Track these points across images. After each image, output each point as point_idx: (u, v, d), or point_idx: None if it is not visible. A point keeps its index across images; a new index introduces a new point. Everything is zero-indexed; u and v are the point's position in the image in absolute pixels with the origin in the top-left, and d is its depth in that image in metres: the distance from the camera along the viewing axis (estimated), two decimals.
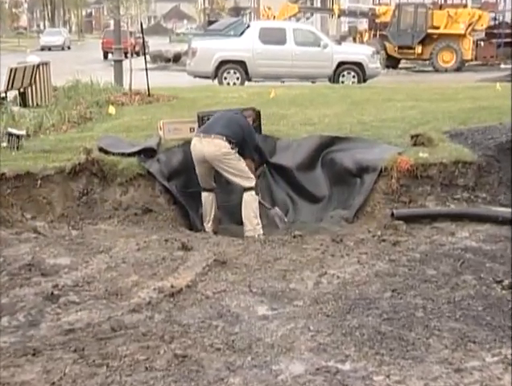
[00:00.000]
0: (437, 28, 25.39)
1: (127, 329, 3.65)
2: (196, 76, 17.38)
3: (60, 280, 4.38)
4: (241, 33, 17.61)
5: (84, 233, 5.58)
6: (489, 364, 3.27)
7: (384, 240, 5.31)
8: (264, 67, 16.76)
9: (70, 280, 4.39)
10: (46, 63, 11.76)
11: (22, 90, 10.86)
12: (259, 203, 6.18)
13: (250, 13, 56.23)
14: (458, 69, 24.69)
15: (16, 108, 9.95)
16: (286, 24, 19.78)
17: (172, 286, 4.24)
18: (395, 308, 3.92)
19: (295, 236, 5.50)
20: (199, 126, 6.75)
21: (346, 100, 10.89)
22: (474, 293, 4.14)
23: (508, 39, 26.58)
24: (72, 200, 6.06)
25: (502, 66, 25.39)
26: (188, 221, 6.26)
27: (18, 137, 6.92)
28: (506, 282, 4.26)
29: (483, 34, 27.01)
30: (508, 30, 26.78)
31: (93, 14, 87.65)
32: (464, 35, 25.01)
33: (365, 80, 17.02)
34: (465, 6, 27.21)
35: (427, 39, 25.32)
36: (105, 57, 32.79)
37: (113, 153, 6.39)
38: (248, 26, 18.29)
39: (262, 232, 5.95)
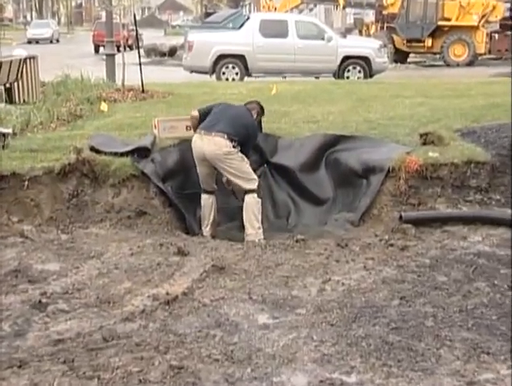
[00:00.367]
0: (448, 20, 25.42)
1: (120, 339, 3.66)
2: (192, 71, 17.39)
3: (49, 287, 4.39)
4: (241, 25, 17.62)
5: (74, 237, 5.58)
6: (504, 377, 3.27)
7: (392, 245, 5.31)
8: (265, 61, 16.78)
9: (59, 287, 4.39)
10: (33, 57, 11.76)
11: (7, 86, 10.85)
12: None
13: (250, 4, 56.27)
14: (470, 63, 24.73)
15: (1, 105, 9.95)
16: (288, 16, 19.84)
17: (168, 293, 4.25)
18: (404, 317, 3.92)
19: (297, 241, 5.51)
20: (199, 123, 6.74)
21: (352, 96, 10.90)
22: (487, 301, 4.15)
23: None
24: (62, 202, 6.06)
25: None
26: (185, 224, 6.26)
27: (3, 135, 6.93)
28: None
29: (497, 26, 26.98)
30: None
31: (84, 4, 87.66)
32: (477, 27, 25.03)
33: (371, 76, 17.03)
34: None
35: (437, 32, 25.34)
36: (97, 51, 32.86)
37: (105, 153, 6.40)
38: (248, 19, 18.30)
39: (263, 236, 5.96)
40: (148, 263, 4.86)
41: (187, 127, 6.95)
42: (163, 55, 30.61)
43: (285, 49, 16.86)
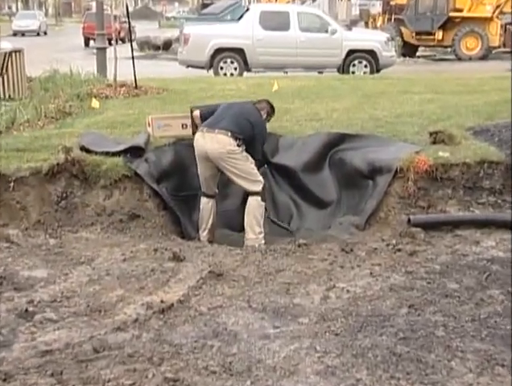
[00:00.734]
0: (460, 11, 25.45)
1: (111, 350, 3.66)
2: (188, 66, 17.42)
3: (36, 295, 4.39)
4: (240, 17, 17.66)
5: (62, 242, 5.59)
6: None
7: (399, 250, 5.32)
8: (265, 55, 16.81)
9: (47, 295, 4.39)
10: (19, 51, 11.76)
11: None
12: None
13: None
14: (484, 57, 24.76)
15: None
16: (289, 7, 19.85)
17: (162, 301, 4.25)
18: (412, 326, 3.93)
19: (299, 245, 5.52)
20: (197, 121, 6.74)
21: (357, 92, 10.92)
22: (502, 310, 4.15)
23: None
24: (50, 205, 6.07)
25: None
26: (180, 228, 6.27)
27: None
28: None
29: None
30: None
31: None
32: (490, 19, 25.05)
33: (378, 70, 17.07)
34: None
35: (448, 24, 25.37)
36: (87, 44, 32.85)
37: (96, 153, 6.40)
38: (247, 10, 18.34)
39: (264, 241, 5.96)
40: (141, 269, 4.86)
41: (182, 125, 6.96)
42: (157, 48, 30.62)
43: (286, 42, 16.89)
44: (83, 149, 6.47)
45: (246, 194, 6.24)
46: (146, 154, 6.54)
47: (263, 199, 6.08)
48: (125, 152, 6.46)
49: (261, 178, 6.12)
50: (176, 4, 74.27)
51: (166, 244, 5.60)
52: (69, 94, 10.41)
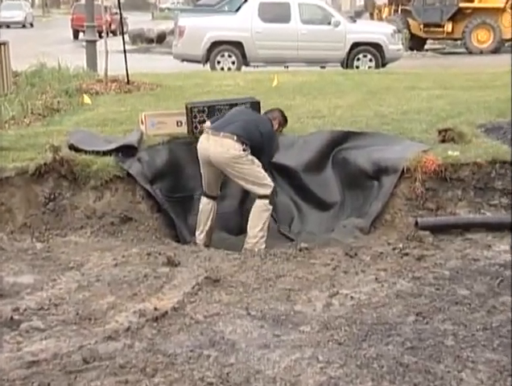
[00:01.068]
0: (471, 1, 25.46)
1: (102, 360, 3.66)
2: (183, 60, 17.44)
3: (22, 302, 4.39)
4: (238, 9, 17.64)
5: (50, 246, 5.59)
6: None
7: (406, 254, 5.33)
8: (264, 49, 16.82)
9: (34, 302, 4.40)
10: (4, 43, 11.73)
11: None
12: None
13: None
14: (496, 50, 24.74)
15: None
16: None
17: (156, 309, 4.25)
18: (420, 335, 3.93)
19: (301, 250, 5.52)
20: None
21: (362, 88, 10.93)
22: None
23: None
24: (37, 207, 6.07)
25: None
26: (175, 232, 6.27)
27: None
28: None
29: None
30: None
31: None
32: (503, 10, 25.02)
33: (384, 65, 17.09)
34: None
35: (458, 15, 25.36)
36: (76, 37, 32.92)
37: (86, 152, 6.41)
38: (245, 1, 18.30)
39: (264, 246, 5.95)
40: (134, 275, 4.86)
41: (177, 122, 6.97)
42: (150, 41, 30.66)
43: (287, 35, 16.89)
44: (72, 148, 6.47)
45: (246, 195, 6.22)
46: (139, 154, 6.55)
47: (271, 203, 6.06)
48: (116, 151, 6.46)
49: (269, 180, 6.08)
50: None
51: (160, 248, 5.61)
52: (57, 90, 10.42)
